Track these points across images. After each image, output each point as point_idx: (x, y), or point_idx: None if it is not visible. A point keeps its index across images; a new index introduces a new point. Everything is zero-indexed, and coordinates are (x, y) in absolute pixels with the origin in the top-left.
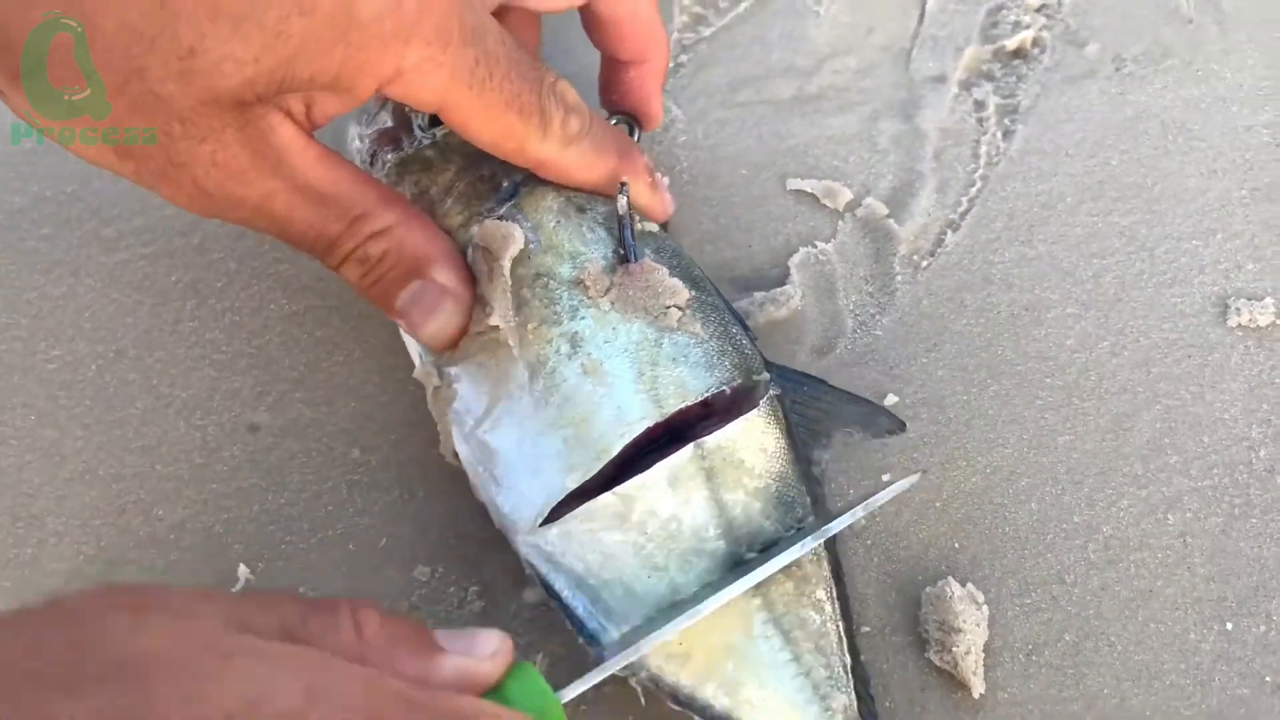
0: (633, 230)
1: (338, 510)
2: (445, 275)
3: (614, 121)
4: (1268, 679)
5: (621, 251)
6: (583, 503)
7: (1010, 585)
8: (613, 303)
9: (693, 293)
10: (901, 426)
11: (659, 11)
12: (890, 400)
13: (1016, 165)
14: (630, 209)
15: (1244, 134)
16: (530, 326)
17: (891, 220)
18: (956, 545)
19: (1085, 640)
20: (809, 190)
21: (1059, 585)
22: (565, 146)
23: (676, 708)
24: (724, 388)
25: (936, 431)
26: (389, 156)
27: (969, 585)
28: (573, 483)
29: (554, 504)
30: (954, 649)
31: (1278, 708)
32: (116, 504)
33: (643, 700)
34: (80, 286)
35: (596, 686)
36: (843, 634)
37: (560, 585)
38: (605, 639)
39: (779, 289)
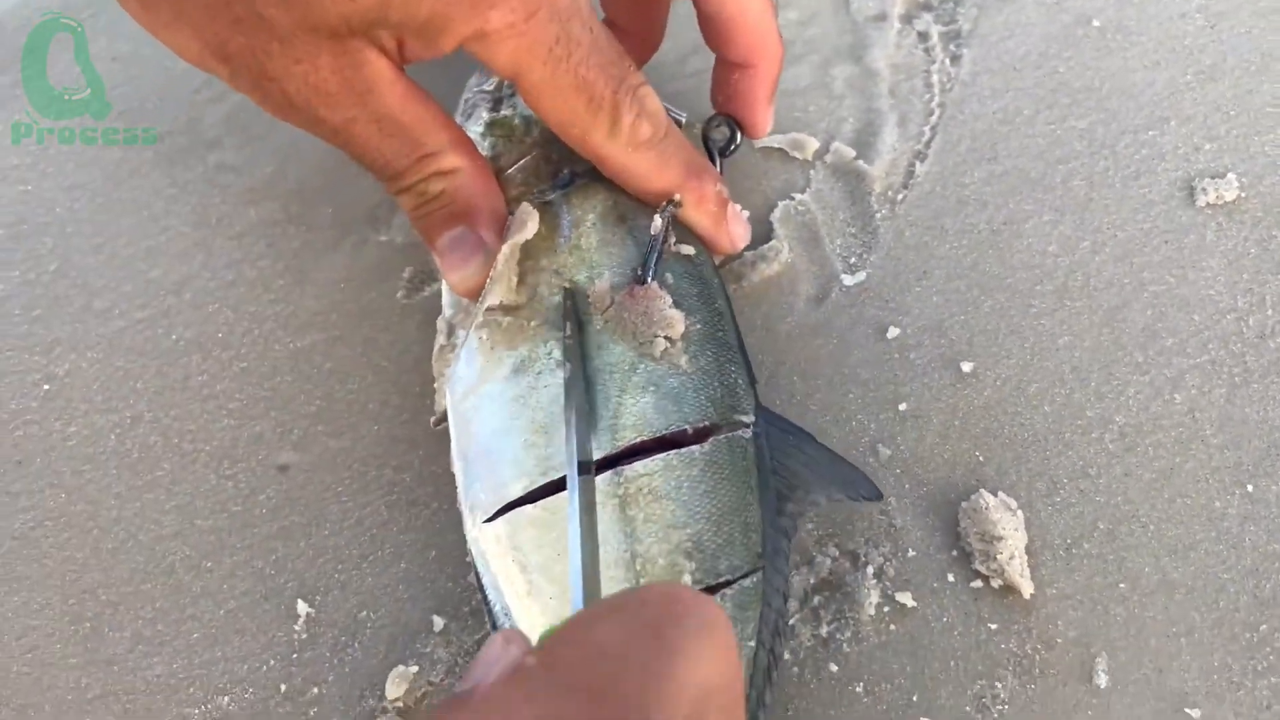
0: (661, 252)
1: (382, 532)
2: (488, 231)
3: (716, 123)
4: None
5: (639, 271)
6: (524, 504)
7: (1039, 487)
8: (605, 321)
9: (698, 325)
10: (878, 496)
11: (774, 17)
12: (893, 332)
13: (969, 88)
14: (668, 229)
15: (1179, 21)
16: (532, 323)
17: (861, 161)
18: (981, 458)
19: (1119, 526)
20: (777, 145)
21: (1084, 479)
22: (631, 149)
23: None
24: (686, 425)
25: (942, 355)
26: (484, 114)
27: (1000, 494)
28: (517, 491)
29: (498, 508)
30: (998, 556)
31: None
32: (164, 564)
33: None
34: (83, 361)
35: None
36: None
37: (486, 581)
38: None
39: (766, 245)
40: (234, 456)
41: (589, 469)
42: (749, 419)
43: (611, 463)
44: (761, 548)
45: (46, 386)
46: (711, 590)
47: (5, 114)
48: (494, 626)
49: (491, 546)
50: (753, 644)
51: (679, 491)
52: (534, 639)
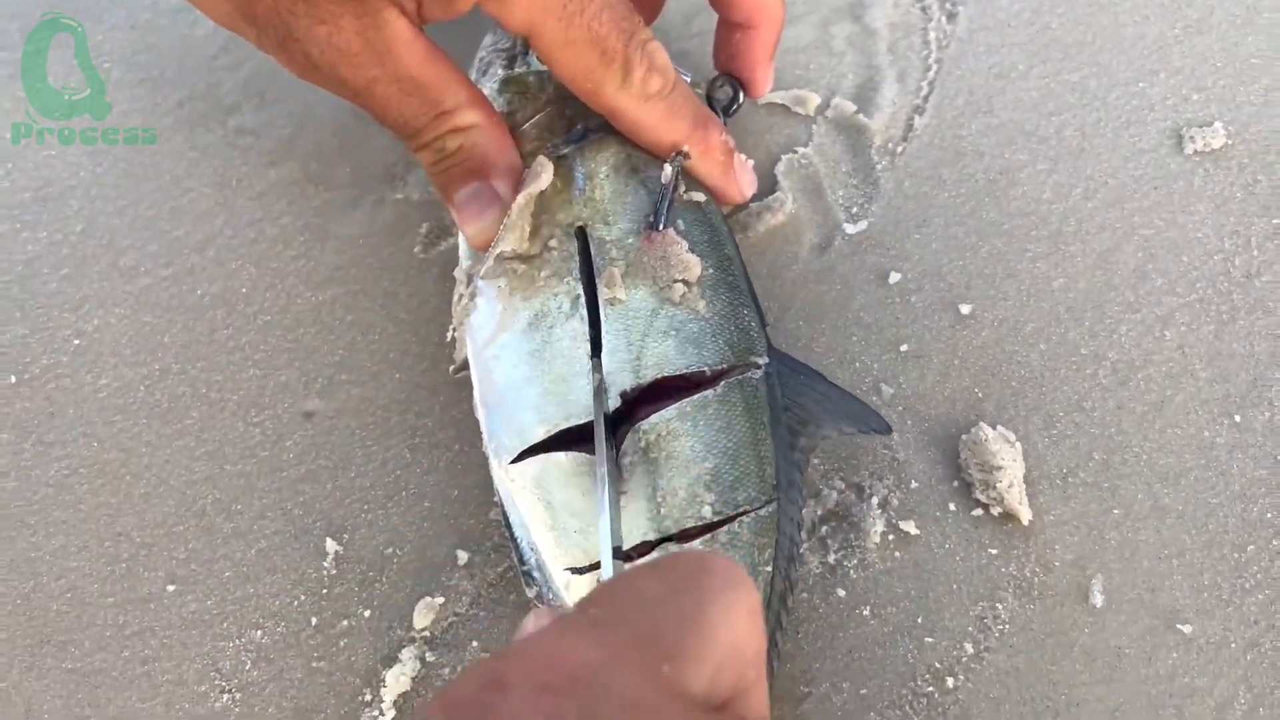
0: (672, 201)
1: (406, 474)
2: (503, 185)
3: (719, 83)
4: (1279, 457)
5: (651, 219)
6: (551, 450)
7: (1035, 421)
8: (626, 266)
9: (711, 270)
10: (887, 429)
11: None
12: (894, 278)
13: (966, 44)
14: (677, 179)
15: None
16: (543, 275)
17: (861, 115)
18: (980, 395)
19: (1113, 456)
20: (779, 101)
21: (1079, 412)
22: (641, 101)
23: None
24: (705, 367)
25: (941, 298)
26: (499, 71)
27: (999, 428)
28: (540, 435)
29: (522, 450)
30: (997, 485)
31: None
32: (195, 508)
33: None
34: (111, 317)
35: None
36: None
37: (513, 519)
38: (537, 578)
39: (770, 196)
40: (260, 404)
41: (607, 424)
42: (762, 360)
43: (633, 403)
44: (776, 480)
45: (77, 341)
46: (729, 520)
47: (5, 113)
48: (521, 561)
49: (517, 486)
50: (769, 569)
51: (697, 430)
52: (559, 572)
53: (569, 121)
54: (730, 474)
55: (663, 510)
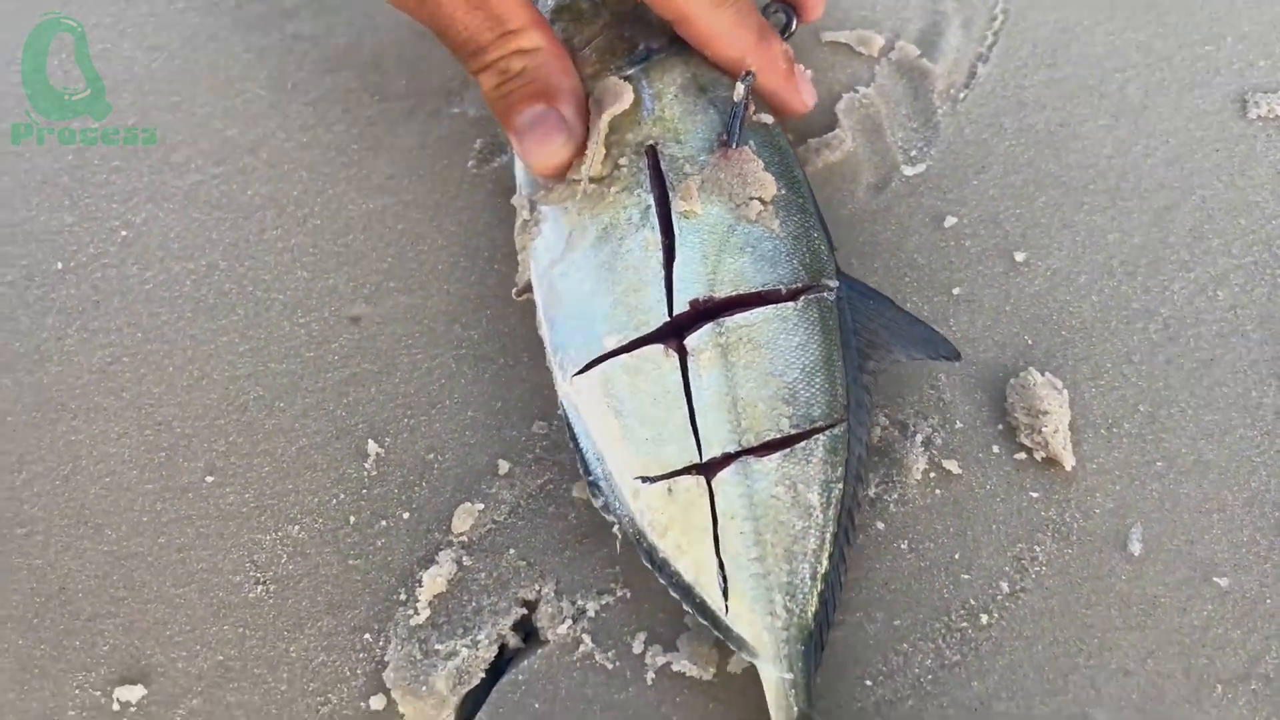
0: (744, 119)
1: (450, 383)
2: (568, 110)
3: (773, 9)
4: None
5: (724, 136)
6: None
7: (1084, 370)
8: (703, 182)
9: (784, 190)
10: (957, 355)
11: None
12: (950, 221)
13: None
14: (748, 98)
15: None
16: (614, 190)
17: (924, 60)
18: (1030, 341)
19: (1159, 409)
20: (843, 40)
21: (1128, 364)
22: (712, 7)
23: (648, 566)
24: (780, 285)
25: (996, 245)
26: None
27: (1048, 374)
28: (610, 344)
29: (590, 359)
30: (1043, 430)
31: None
32: (238, 402)
33: (618, 547)
34: (160, 211)
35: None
36: (828, 541)
37: (579, 430)
38: (603, 487)
39: (830, 133)
40: (307, 306)
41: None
42: (834, 283)
43: (712, 313)
44: (847, 400)
45: (125, 233)
46: (806, 436)
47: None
48: (586, 471)
49: (584, 398)
50: (841, 486)
51: (775, 342)
52: (628, 481)
53: (629, 43)
54: (807, 390)
55: (743, 422)
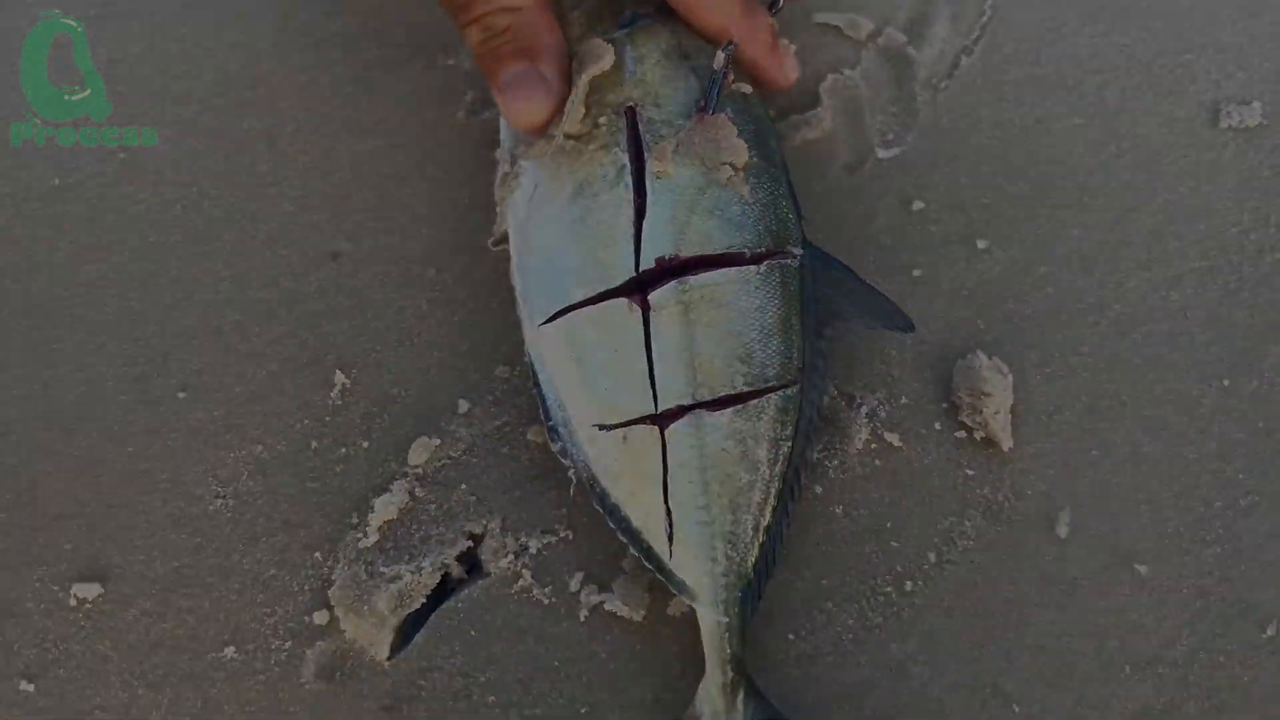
0: (721, 87)
1: (420, 323)
2: (549, 68)
3: None
4: (1260, 424)
5: (702, 103)
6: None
7: (1031, 357)
8: (677, 145)
9: (756, 158)
10: (910, 327)
11: None
12: (918, 205)
13: None
14: (728, 67)
15: None
16: (591, 148)
17: (910, 48)
18: (982, 326)
19: (1100, 400)
20: (834, 23)
21: (1075, 356)
22: None
23: (599, 509)
24: (745, 249)
25: (960, 231)
26: None
27: (995, 358)
28: (577, 296)
29: (557, 309)
30: (984, 410)
31: (1271, 449)
32: (214, 325)
33: (572, 491)
34: (157, 136)
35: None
36: (772, 496)
37: (542, 377)
38: (561, 432)
39: (811, 111)
40: (289, 239)
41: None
42: (798, 250)
43: (677, 272)
44: (801, 364)
45: (122, 155)
46: (759, 394)
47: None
48: (546, 417)
49: (549, 345)
50: (790, 444)
51: (736, 303)
52: (585, 427)
53: (616, 7)
54: (762, 351)
55: (699, 377)
